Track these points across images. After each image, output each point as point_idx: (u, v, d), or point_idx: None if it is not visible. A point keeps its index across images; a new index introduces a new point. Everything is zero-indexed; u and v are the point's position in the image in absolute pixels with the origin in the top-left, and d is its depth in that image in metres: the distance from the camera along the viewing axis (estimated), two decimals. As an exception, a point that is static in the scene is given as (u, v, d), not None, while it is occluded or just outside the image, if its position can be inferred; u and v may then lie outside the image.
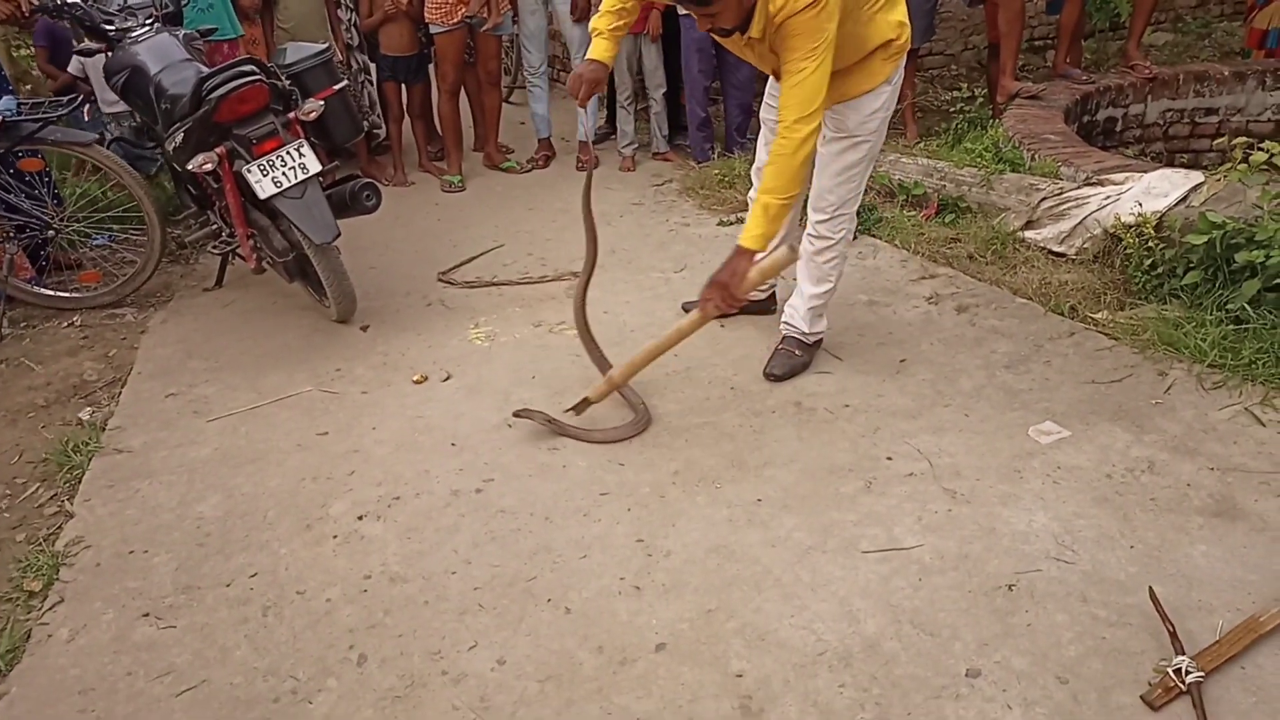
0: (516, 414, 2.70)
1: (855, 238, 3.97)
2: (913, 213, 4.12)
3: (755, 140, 5.27)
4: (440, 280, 3.91)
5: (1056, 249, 3.58)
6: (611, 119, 5.61)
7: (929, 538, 2.23)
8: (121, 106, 3.79)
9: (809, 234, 2.84)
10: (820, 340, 3.06)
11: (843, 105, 2.58)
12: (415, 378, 3.09)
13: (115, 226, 3.82)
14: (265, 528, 2.40)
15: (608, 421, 2.75)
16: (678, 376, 3.02)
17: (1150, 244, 3.21)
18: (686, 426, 2.75)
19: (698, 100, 5.06)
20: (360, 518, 2.42)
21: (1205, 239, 3.01)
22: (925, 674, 1.88)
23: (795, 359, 2.98)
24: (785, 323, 3.04)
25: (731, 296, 2.41)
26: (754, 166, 2.99)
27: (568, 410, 2.76)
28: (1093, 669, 1.87)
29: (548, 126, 5.43)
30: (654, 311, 3.47)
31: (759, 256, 2.40)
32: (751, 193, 3.07)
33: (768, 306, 3.30)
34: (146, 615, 2.13)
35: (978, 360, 3.00)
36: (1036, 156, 4.08)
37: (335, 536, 2.36)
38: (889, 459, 2.54)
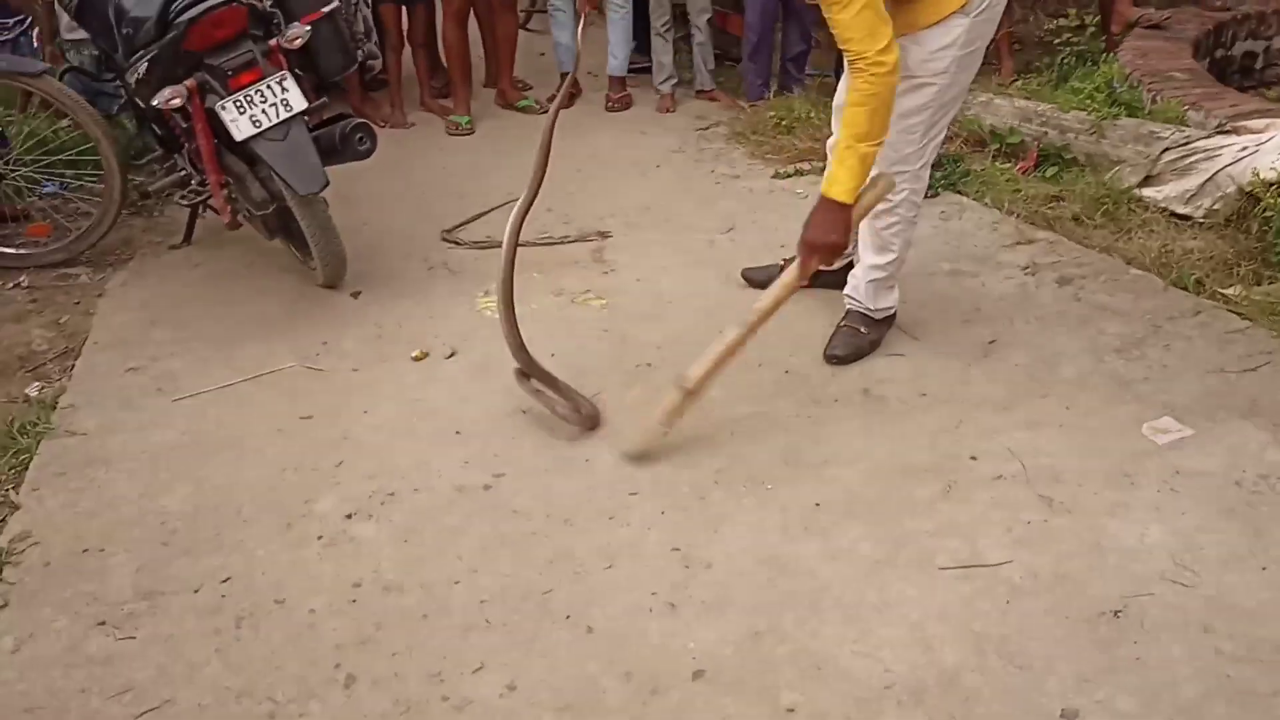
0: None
1: (935, 194, 3.93)
2: (1007, 165, 4.07)
3: (816, 76, 5.26)
4: (445, 240, 3.92)
5: (1180, 210, 3.52)
6: (645, 49, 5.56)
7: (1020, 553, 2.22)
8: (81, 33, 3.82)
9: None
10: (891, 316, 3.04)
11: (906, 39, 2.54)
12: (414, 354, 3.11)
13: (68, 172, 3.86)
14: (240, 526, 2.43)
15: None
16: (722, 357, 3.01)
17: (1296, 206, 3.15)
18: (733, 417, 2.74)
19: (755, 26, 4.99)
20: (349, 516, 2.45)
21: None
22: (1012, 714, 1.86)
23: (861, 338, 2.97)
24: (848, 295, 3.03)
25: (833, 249, 2.47)
26: (835, 103, 2.96)
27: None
28: (1215, 713, 1.85)
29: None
30: (696, 280, 3.46)
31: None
32: (832, 140, 3.05)
33: (839, 279, 3.29)
34: (103, 624, 2.17)
35: (1082, 343, 2.97)
36: (1158, 99, 4.01)
37: (320, 537, 2.38)
38: (973, 459, 2.52)
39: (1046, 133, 4.05)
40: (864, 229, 2.89)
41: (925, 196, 3.95)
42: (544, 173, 2.65)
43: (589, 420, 2.69)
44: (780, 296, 2.56)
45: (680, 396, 2.57)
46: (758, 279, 3.34)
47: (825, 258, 2.51)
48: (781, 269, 3.31)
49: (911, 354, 2.98)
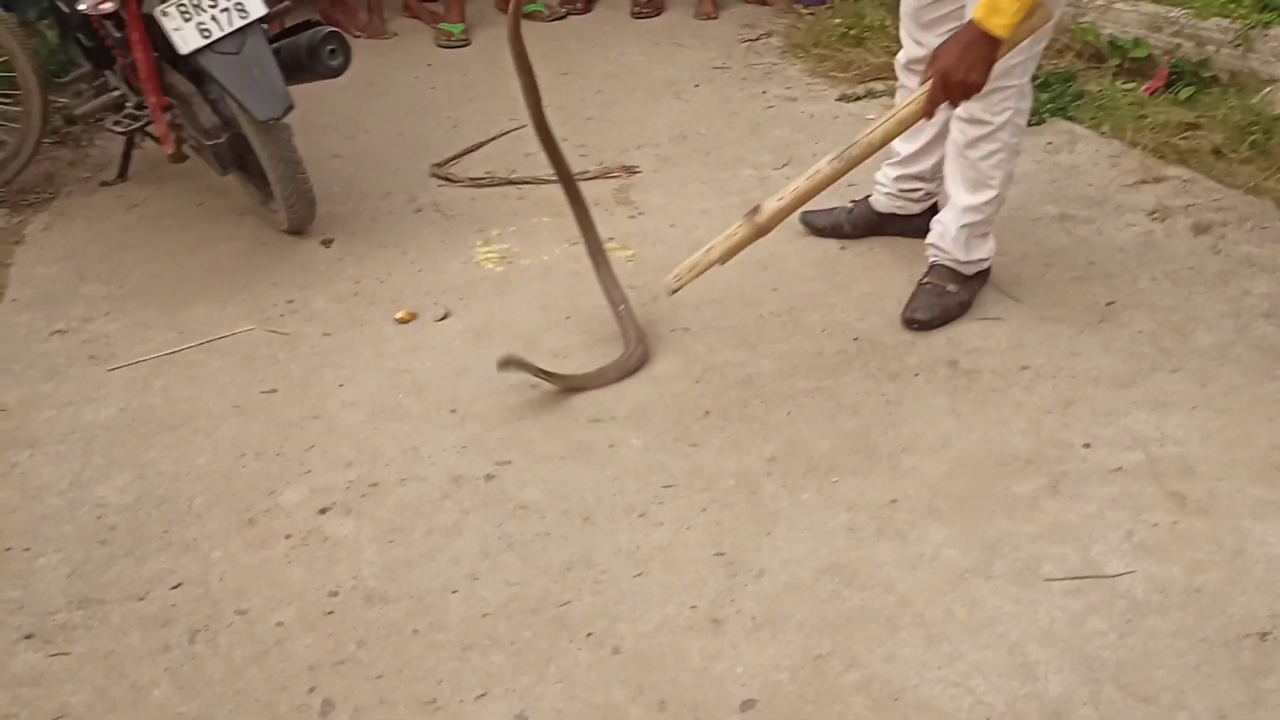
0: (503, 364, 2.69)
1: (1041, 120, 3.90)
2: (1131, 84, 4.04)
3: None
4: (435, 176, 3.92)
5: (1347, 141, 3.50)
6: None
7: (1143, 562, 2.21)
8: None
9: (957, 115, 2.80)
10: (985, 272, 3.03)
11: None
12: (399, 315, 3.13)
13: (-24, 93, 3.90)
14: (192, 521, 2.45)
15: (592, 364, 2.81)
16: (777, 320, 3.02)
17: None
18: (789, 393, 2.74)
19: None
20: (323, 511, 2.46)
21: None
22: (1132, 757, 1.87)
23: (948, 298, 2.96)
24: (932, 245, 3.01)
25: (971, 88, 2.43)
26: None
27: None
28: (1382, 758, 1.85)
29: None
30: (743, 225, 3.45)
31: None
32: (901, 55, 3.04)
33: (921, 225, 3.28)
34: (30, 637, 2.19)
35: (1223, 305, 2.96)
36: (1322, 1, 3.96)
37: (289, 536, 2.40)
38: (1086, 446, 2.52)
39: (1180, 45, 4.01)
40: (953, 161, 2.88)
41: (1029, 124, 3.93)
42: (536, 93, 2.75)
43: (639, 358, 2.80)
44: (892, 131, 2.54)
45: (750, 231, 2.57)
46: (820, 224, 3.35)
47: (959, 95, 2.45)
48: (851, 211, 3.32)
49: (1010, 318, 2.96)
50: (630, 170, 3.88)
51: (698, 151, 4.00)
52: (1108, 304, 3.00)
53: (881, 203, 3.31)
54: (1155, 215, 3.38)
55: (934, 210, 3.19)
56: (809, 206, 3.27)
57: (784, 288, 3.14)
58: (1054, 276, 3.13)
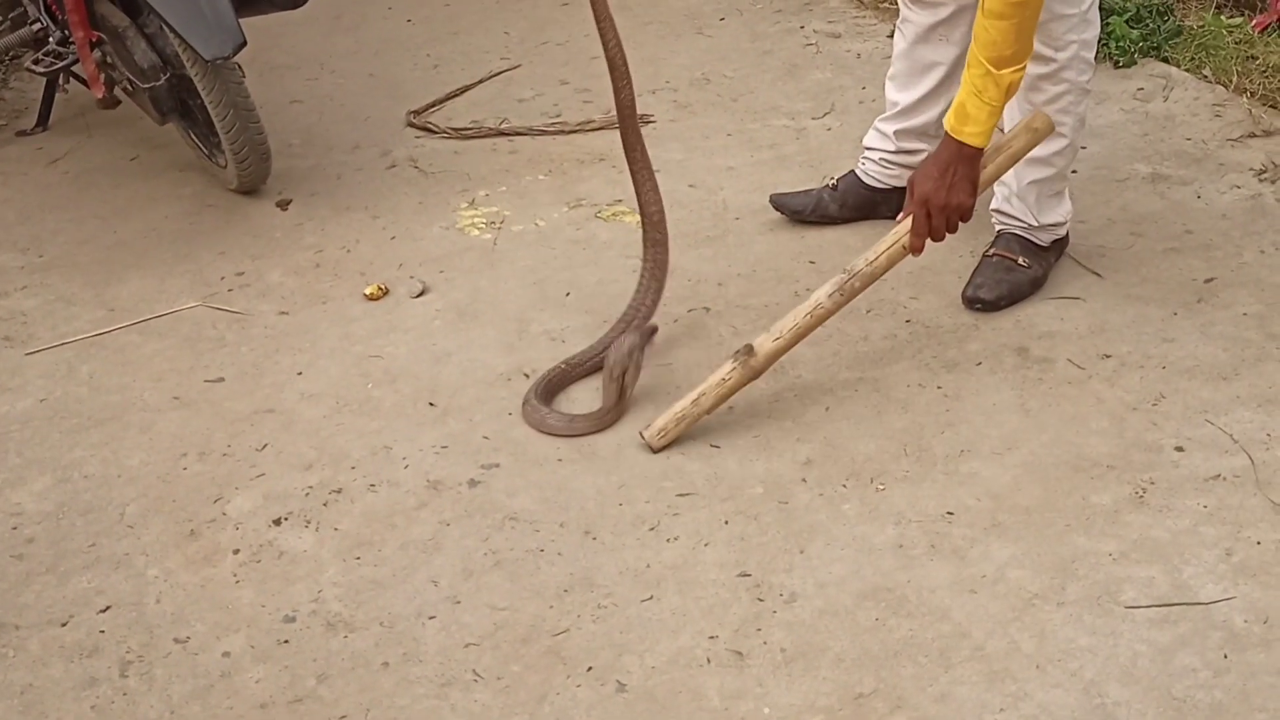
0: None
1: (1131, 62, 3.88)
2: (1238, 19, 4.01)
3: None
4: (412, 125, 3.92)
5: None
6: None
7: (1244, 586, 2.20)
8: None
9: None
10: (1062, 241, 3.03)
11: None
12: (368, 290, 3.13)
13: None
14: (124, 533, 2.45)
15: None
16: (814, 298, 3.01)
17: None
18: (829, 385, 2.74)
19: None
20: (278, 522, 2.47)
21: None
22: (1230, 818, 1.87)
23: (1017, 273, 2.96)
24: (997, 211, 3.01)
25: (957, 211, 2.55)
26: None
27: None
28: None
29: None
30: (774, 186, 3.44)
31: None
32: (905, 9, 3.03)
33: None
34: (-67, 668, 2.22)
35: (1344, 282, 2.95)
36: None
37: (237, 551, 2.41)
38: (1179, 450, 2.50)
39: (1298, -28, 3.99)
40: (1015, 108, 2.85)
41: (1117, 65, 3.91)
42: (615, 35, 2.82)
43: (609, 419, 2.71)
44: (895, 256, 2.62)
45: (743, 374, 2.60)
46: (796, 205, 3.32)
47: (944, 224, 2.57)
48: (835, 189, 3.30)
49: (1091, 297, 2.95)
50: (643, 119, 3.83)
51: (723, 97, 3.99)
52: (1206, 281, 2.98)
53: (874, 174, 3.26)
54: (1265, 176, 3.35)
55: None
56: (780, 188, 3.33)
57: (823, 260, 3.12)
58: (1143, 248, 3.11)
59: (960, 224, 2.59)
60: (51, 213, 3.54)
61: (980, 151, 2.52)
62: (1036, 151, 2.83)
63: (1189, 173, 3.40)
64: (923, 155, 3.15)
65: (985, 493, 2.44)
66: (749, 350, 2.59)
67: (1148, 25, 3.95)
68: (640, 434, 2.59)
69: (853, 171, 3.29)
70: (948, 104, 2.99)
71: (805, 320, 2.62)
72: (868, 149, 3.25)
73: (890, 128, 3.18)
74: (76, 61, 3.43)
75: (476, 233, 3.36)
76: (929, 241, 2.59)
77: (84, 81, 3.48)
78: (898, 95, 3.12)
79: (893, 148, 3.19)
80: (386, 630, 2.22)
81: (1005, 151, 2.63)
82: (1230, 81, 3.75)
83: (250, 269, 3.25)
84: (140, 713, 2.09)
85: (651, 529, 2.40)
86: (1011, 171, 2.91)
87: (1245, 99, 3.68)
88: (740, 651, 2.14)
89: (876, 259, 2.61)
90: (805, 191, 3.33)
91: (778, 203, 3.32)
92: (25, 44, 3.54)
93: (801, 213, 3.29)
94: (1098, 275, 3.03)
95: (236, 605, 2.29)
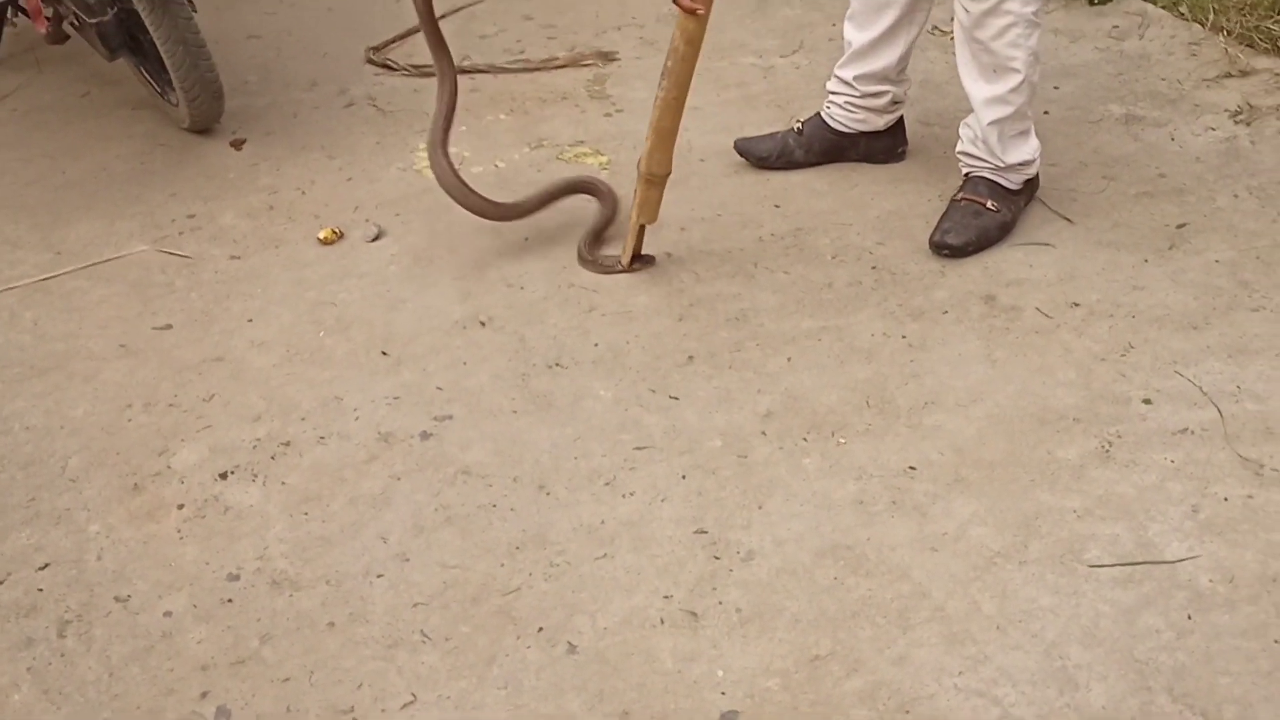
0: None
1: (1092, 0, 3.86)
2: (1216, -46, 3.97)
3: None
4: (371, 62, 3.88)
5: None
6: None
7: (1210, 545, 2.20)
8: None
9: None
10: (1033, 183, 3.02)
11: None
12: (322, 234, 3.10)
13: None
14: (65, 487, 2.43)
15: None
16: (779, 244, 2.99)
17: None
18: (791, 334, 2.72)
19: None
20: (224, 476, 2.45)
21: None
22: (1190, 782, 1.87)
23: (986, 218, 2.94)
24: (963, 154, 2.99)
25: None
26: None
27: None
28: None
29: None
30: (740, 127, 3.43)
31: None
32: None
33: (890, 145, 3.26)
34: None
35: (1319, 228, 2.94)
36: None
37: (181, 506, 2.39)
38: (1146, 402, 2.50)
39: (1278, -97, 3.94)
40: (963, 50, 2.85)
41: (1091, 2, 3.89)
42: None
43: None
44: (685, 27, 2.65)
45: (642, 186, 2.78)
46: (761, 151, 3.28)
47: None
48: (800, 132, 3.27)
49: (1061, 243, 2.94)
50: (607, 57, 3.84)
51: (689, 34, 3.94)
52: (1179, 226, 2.98)
53: (839, 118, 3.21)
54: (1240, 117, 3.35)
55: (902, 125, 3.20)
56: (746, 128, 3.32)
57: (789, 204, 3.10)
58: (1115, 192, 3.10)
59: None
60: (-5, 152, 3.50)
61: None
62: (992, 90, 2.81)
63: (1163, 114, 3.40)
64: (885, 100, 3.14)
65: (949, 446, 2.43)
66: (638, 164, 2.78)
67: (1121, -40, 3.93)
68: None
69: (818, 114, 3.25)
70: (906, 46, 2.98)
71: (656, 112, 2.75)
72: (830, 95, 3.21)
73: (849, 73, 3.13)
74: (20, -6, 3.38)
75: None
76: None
77: (28, 14, 3.42)
78: (855, 35, 3.07)
79: (856, 93, 3.14)
80: (333, 589, 2.21)
81: None
82: (1207, 19, 3.74)
83: (202, 211, 3.22)
84: (78, 674, 2.08)
85: (607, 484, 2.39)
86: (972, 114, 2.89)
87: (1222, 37, 3.67)
88: (695, 612, 2.14)
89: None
90: (770, 135, 3.29)
91: (742, 148, 3.29)
92: (-34, -24, 3.48)
93: (767, 159, 3.26)
94: (1068, 220, 3.02)
95: (180, 562, 2.27)
